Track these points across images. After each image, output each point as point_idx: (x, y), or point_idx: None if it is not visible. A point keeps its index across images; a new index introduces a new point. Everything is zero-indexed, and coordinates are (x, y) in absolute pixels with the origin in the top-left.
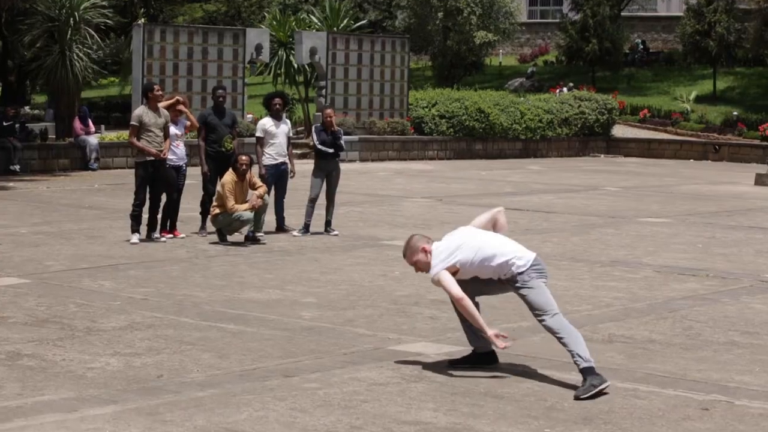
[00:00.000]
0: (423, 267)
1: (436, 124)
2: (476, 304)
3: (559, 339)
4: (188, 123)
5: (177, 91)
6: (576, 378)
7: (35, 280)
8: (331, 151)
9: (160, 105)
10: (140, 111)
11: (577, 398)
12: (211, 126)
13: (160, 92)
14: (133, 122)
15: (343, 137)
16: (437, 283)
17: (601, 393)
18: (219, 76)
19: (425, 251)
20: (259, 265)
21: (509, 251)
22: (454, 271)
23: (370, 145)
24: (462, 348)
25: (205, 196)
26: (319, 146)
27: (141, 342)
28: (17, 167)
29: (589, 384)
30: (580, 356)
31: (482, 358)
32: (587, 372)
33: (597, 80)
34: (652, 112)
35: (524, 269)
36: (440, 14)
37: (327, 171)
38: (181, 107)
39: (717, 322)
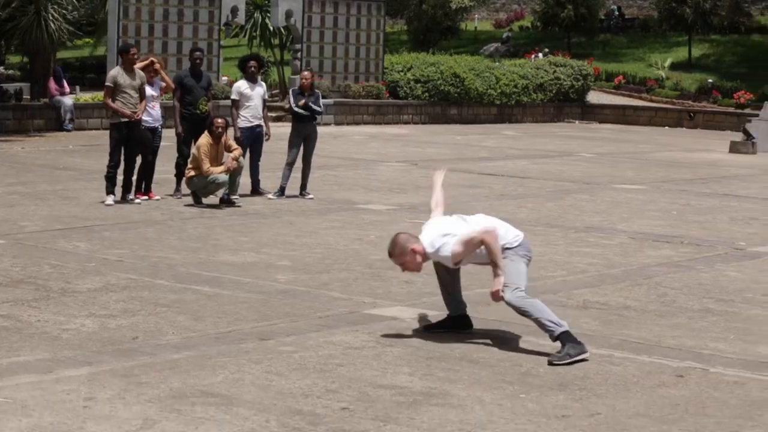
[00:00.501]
0: (412, 267)
1: (411, 88)
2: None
3: (523, 313)
4: (164, 84)
5: (152, 52)
6: (554, 344)
7: (9, 241)
8: (307, 113)
9: (136, 66)
10: (115, 72)
11: (550, 364)
12: (187, 87)
13: (135, 55)
14: (108, 83)
15: (321, 100)
16: (463, 252)
17: (578, 362)
18: (195, 38)
19: (414, 252)
20: (234, 227)
21: (503, 235)
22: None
23: (345, 109)
24: (437, 312)
25: (180, 158)
26: (296, 108)
27: (116, 304)
28: None
29: (566, 353)
30: (551, 321)
31: (457, 322)
32: (565, 338)
33: (572, 46)
34: (627, 78)
35: (513, 246)
36: None
37: (304, 134)
38: (157, 67)
39: (691, 290)
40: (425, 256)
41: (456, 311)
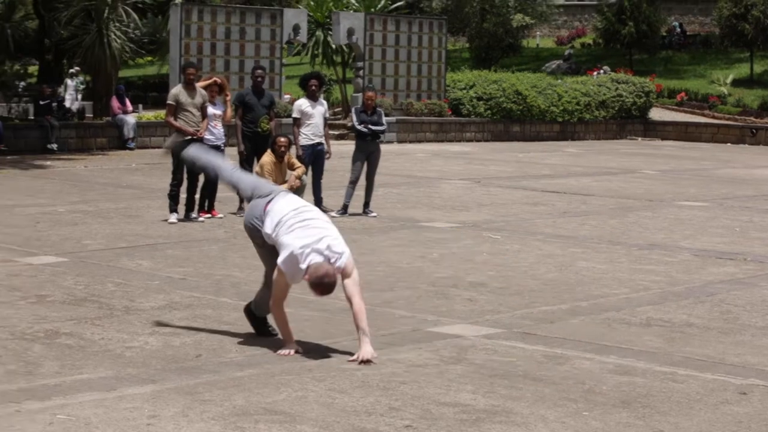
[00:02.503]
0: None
1: (473, 105)
2: None
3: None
4: (225, 110)
5: (214, 71)
6: (617, 362)
7: (73, 259)
8: (367, 131)
9: (198, 85)
10: (176, 90)
11: None
12: (248, 106)
13: (192, 75)
14: (169, 101)
15: (384, 118)
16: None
17: None
18: (256, 57)
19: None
20: None
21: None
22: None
23: (408, 127)
24: (500, 330)
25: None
26: (359, 127)
27: (179, 321)
28: (54, 146)
29: None
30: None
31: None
32: None
33: (634, 63)
34: (689, 95)
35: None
36: None
37: (367, 152)
38: (221, 84)
39: (755, 306)
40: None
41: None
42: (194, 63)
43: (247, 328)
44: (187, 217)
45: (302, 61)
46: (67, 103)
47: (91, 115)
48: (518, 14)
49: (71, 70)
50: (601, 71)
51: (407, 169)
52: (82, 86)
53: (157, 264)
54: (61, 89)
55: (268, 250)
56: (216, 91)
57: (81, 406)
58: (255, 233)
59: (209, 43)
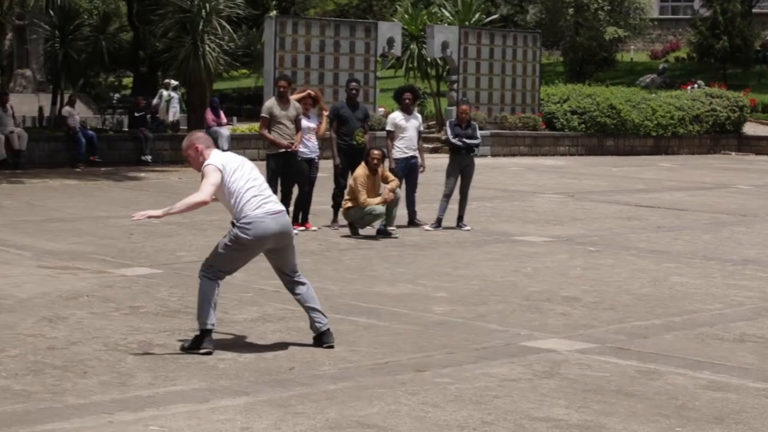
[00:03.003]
0: (194, 164)
1: (567, 119)
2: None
3: (199, 296)
4: (319, 123)
5: (309, 83)
6: (711, 377)
7: (167, 271)
8: (461, 145)
9: (292, 97)
10: (270, 103)
11: (182, 349)
12: (343, 119)
13: (285, 88)
14: (263, 114)
15: (478, 132)
16: (203, 173)
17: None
18: (351, 70)
19: (198, 150)
20: (390, 258)
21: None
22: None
23: (502, 140)
24: (593, 344)
25: (337, 189)
26: (453, 140)
27: (273, 334)
28: (149, 158)
29: (194, 342)
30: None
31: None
32: (204, 334)
33: (728, 77)
34: None
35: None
36: (571, 10)
37: (461, 166)
38: (323, 109)
39: None
40: (202, 155)
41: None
42: (287, 76)
43: (341, 341)
44: None
45: (396, 74)
46: (171, 117)
47: (186, 127)
48: (611, 27)
49: (173, 83)
50: (695, 85)
51: (501, 183)
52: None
53: (251, 276)
54: (155, 100)
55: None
56: (310, 104)
57: (174, 417)
58: None
59: (303, 56)
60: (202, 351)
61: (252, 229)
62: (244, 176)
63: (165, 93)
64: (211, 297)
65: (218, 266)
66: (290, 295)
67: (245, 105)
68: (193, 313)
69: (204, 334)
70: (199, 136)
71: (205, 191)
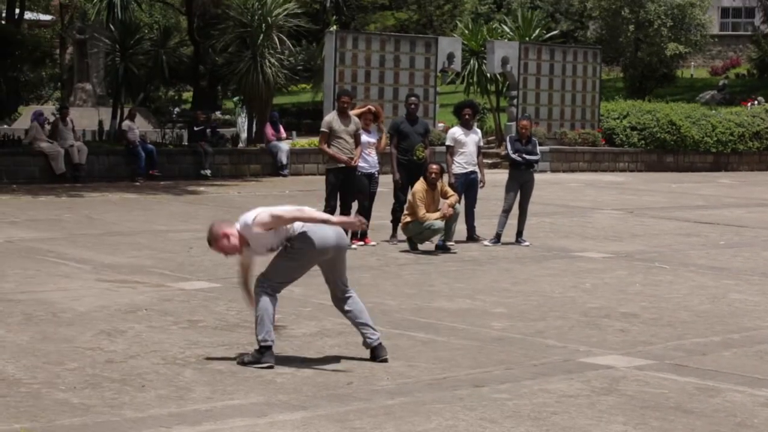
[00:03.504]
0: (230, 250)
1: (627, 135)
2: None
3: (257, 311)
4: (379, 138)
5: (369, 98)
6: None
7: (225, 285)
8: (521, 161)
9: (352, 113)
10: (330, 117)
11: (241, 363)
12: (403, 134)
13: (347, 103)
14: (323, 129)
15: (538, 147)
16: (261, 224)
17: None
18: (410, 85)
19: (227, 235)
20: (449, 274)
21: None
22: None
23: (561, 156)
24: (652, 361)
25: (396, 204)
26: (513, 156)
27: (331, 349)
28: (208, 172)
29: (254, 356)
30: (266, 330)
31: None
32: (264, 350)
33: None
34: None
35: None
36: (631, 26)
37: (521, 181)
38: (380, 125)
39: None
40: (240, 237)
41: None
42: (348, 91)
43: (399, 356)
44: None
45: (456, 89)
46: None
47: (246, 143)
48: (672, 43)
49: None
50: (756, 102)
51: (560, 199)
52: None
53: (309, 291)
54: (237, 118)
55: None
56: (370, 119)
57: (231, 431)
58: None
59: (363, 71)
60: (264, 365)
61: (314, 238)
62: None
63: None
64: (271, 312)
65: (276, 279)
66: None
67: (305, 120)
68: (251, 328)
69: (264, 348)
70: (218, 224)
71: (289, 210)
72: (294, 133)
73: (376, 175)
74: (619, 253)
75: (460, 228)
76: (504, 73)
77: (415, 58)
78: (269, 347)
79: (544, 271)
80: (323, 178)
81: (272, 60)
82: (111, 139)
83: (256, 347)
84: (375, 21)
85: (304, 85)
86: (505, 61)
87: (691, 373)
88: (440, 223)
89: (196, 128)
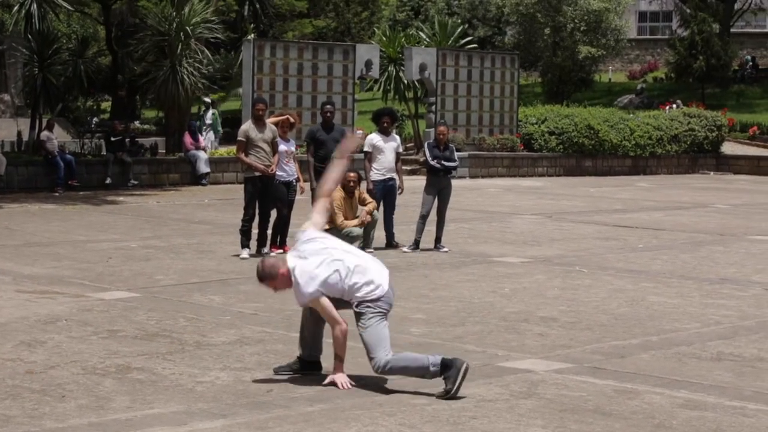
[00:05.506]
0: (283, 287)
1: (545, 140)
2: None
3: (403, 372)
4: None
5: (287, 106)
6: (688, 396)
7: (145, 294)
8: (439, 167)
9: (269, 121)
10: (246, 126)
11: (449, 397)
12: (319, 141)
13: (262, 111)
14: (240, 138)
15: (456, 153)
16: (314, 303)
17: (465, 375)
18: (329, 92)
19: (283, 275)
20: None
21: (369, 271)
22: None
23: (480, 162)
24: (571, 364)
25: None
26: (431, 162)
27: (251, 357)
28: (108, 180)
29: (450, 385)
30: (428, 361)
31: (308, 366)
32: (446, 366)
33: (706, 97)
34: (762, 129)
35: (376, 296)
36: (547, 30)
37: (438, 188)
38: (292, 122)
39: None
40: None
41: (310, 357)
42: (263, 99)
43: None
44: (259, 253)
45: (374, 96)
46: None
47: (164, 151)
48: (585, 47)
49: (206, 99)
50: (674, 105)
51: (479, 204)
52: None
53: (229, 299)
54: (206, 122)
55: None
56: (288, 127)
57: None
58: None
59: (282, 79)
60: (464, 370)
61: (386, 298)
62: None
63: (210, 113)
64: (417, 360)
65: (385, 345)
66: (269, 319)
67: (223, 128)
68: (171, 336)
69: (445, 365)
70: (273, 262)
71: (335, 317)
72: (214, 141)
73: (294, 183)
74: (538, 257)
75: (379, 234)
76: (422, 80)
77: (333, 65)
78: (443, 359)
79: (463, 276)
80: (242, 186)
81: (190, 69)
82: (30, 149)
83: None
84: (293, 29)
85: (222, 94)
86: (423, 68)
87: (610, 375)
88: (359, 230)
89: (113, 138)
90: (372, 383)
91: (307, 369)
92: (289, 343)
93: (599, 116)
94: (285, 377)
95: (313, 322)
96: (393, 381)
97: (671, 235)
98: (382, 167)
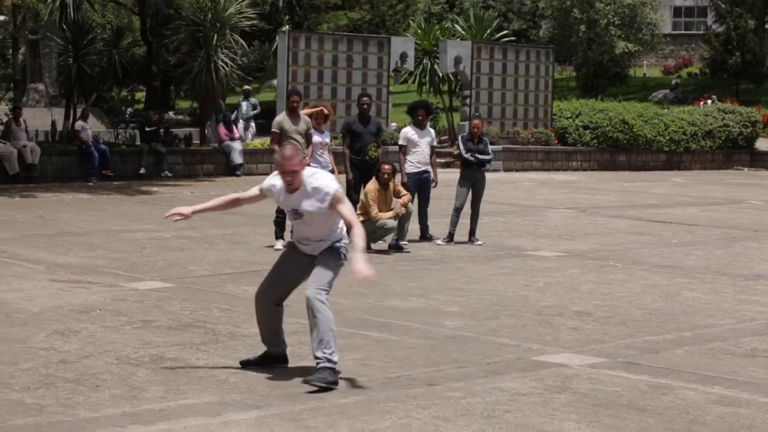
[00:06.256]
0: (296, 177)
1: (580, 134)
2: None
3: (314, 316)
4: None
5: (321, 98)
6: (722, 392)
7: (179, 285)
8: (474, 160)
9: (303, 112)
10: (280, 118)
11: (306, 382)
12: (355, 134)
13: (296, 103)
14: (274, 129)
15: (490, 147)
16: (341, 199)
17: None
18: (363, 84)
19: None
20: (402, 273)
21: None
22: None
23: (514, 155)
24: (605, 359)
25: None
26: (465, 155)
27: None
28: (142, 170)
29: (324, 377)
30: (332, 345)
31: (274, 359)
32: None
33: (741, 93)
34: None
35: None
36: (582, 26)
37: (472, 180)
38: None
39: None
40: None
41: (278, 351)
42: (298, 90)
43: (353, 355)
44: None
45: (409, 89)
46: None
47: (198, 142)
48: (621, 42)
49: (246, 87)
50: (708, 101)
51: (513, 198)
52: (253, 111)
53: None
54: (241, 114)
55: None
56: (322, 119)
57: (185, 430)
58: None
59: (316, 71)
60: (334, 387)
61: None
62: None
63: (245, 105)
64: (333, 324)
65: (330, 287)
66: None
67: (258, 119)
68: (204, 327)
69: (333, 366)
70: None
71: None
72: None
73: None
74: (572, 251)
75: (413, 227)
76: (457, 73)
77: (368, 57)
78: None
79: (497, 270)
80: None
81: (225, 59)
82: (64, 139)
83: (324, 365)
84: (328, 21)
85: (256, 85)
86: (457, 61)
87: (644, 371)
88: (393, 222)
89: (148, 129)
90: (405, 377)
91: (274, 362)
92: None
93: (634, 111)
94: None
95: (273, 319)
96: (428, 374)
97: (705, 230)
98: (417, 160)
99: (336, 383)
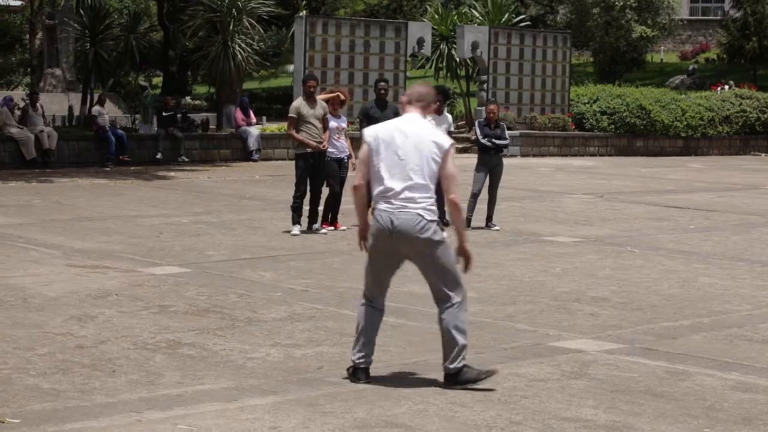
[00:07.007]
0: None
1: (597, 120)
2: None
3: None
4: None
5: (339, 83)
6: (739, 378)
7: (196, 270)
8: (490, 145)
9: (319, 97)
10: (297, 103)
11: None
12: (373, 119)
13: (313, 88)
14: (291, 114)
15: (507, 132)
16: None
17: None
18: (380, 69)
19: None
20: None
21: None
22: None
23: (531, 141)
24: (622, 345)
25: None
26: (482, 140)
27: (301, 333)
28: (158, 155)
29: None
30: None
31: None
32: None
33: (758, 78)
34: None
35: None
36: (596, 10)
37: (490, 166)
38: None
39: None
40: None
41: (366, 362)
42: (314, 75)
43: None
44: (310, 229)
45: (426, 74)
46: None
47: (215, 127)
48: (639, 26)
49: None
50: (725, 86)
51: (530, 183)
52: None
53: (280, 276)
54: None
55: None
56: (338, 104)
57: (202, 416)
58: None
59: (333, 56)
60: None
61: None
62: None
63: None
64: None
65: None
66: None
67: (275, 105)
68: (222, 312)
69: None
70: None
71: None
72: (264, 118)
73: (346, 160)
74: (589, 237)
75: None
76: (474, 58)
77: (385, 42)
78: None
79: (514, 255)
80: (293, 163)
81: (243, 45)
82: (81, 124)
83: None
84: (345, 6)
85: (273, 70)
86: (475, 46)
87: (661, 356)
88: None
89: (165, 114)
90: (423, 362)
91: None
92: (340, 320)
93: (651, 96)
94: (334, 355)
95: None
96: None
97: (723, 216)
98: None
99: (482, 372)
